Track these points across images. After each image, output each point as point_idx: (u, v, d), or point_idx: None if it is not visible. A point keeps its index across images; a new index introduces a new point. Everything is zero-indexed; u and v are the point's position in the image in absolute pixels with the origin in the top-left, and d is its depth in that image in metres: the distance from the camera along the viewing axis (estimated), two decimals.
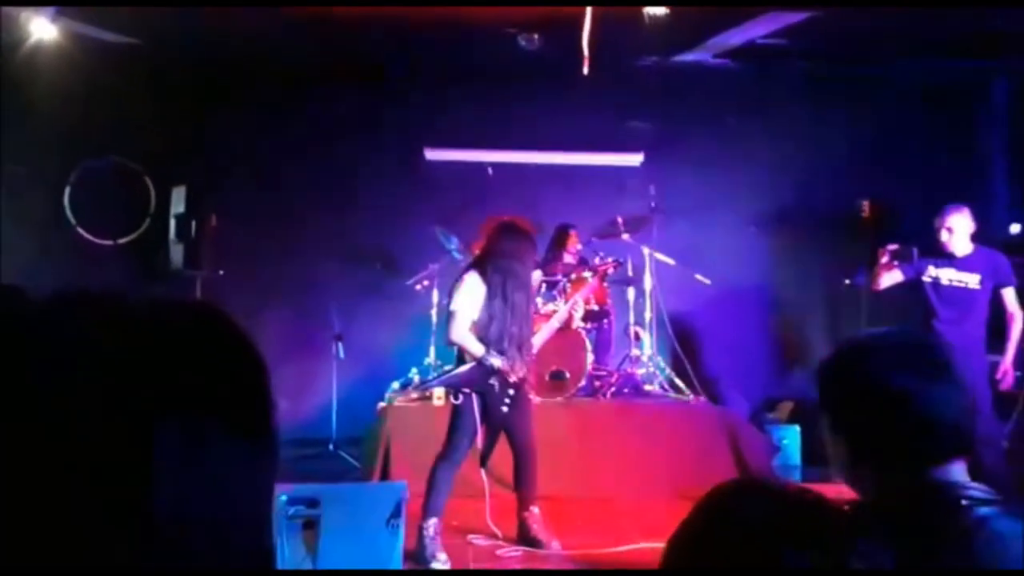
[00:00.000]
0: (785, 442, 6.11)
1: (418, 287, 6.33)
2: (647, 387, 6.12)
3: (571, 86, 6.28)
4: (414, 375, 6.17)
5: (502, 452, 4.31)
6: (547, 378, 5.59)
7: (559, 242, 6.46)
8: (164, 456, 0.53)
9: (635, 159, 7.05)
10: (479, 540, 4.35)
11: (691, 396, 5.99)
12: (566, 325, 4.64)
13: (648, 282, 6.27)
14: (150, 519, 0.53)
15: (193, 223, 6.27)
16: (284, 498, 3.63)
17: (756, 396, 6.86)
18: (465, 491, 4.29)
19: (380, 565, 3.67)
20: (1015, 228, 5.48)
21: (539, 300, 5.84)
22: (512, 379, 4.13)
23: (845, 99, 6.88)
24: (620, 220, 6.33)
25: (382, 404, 5.72)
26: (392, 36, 6.43)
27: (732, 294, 6.79)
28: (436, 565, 4.02)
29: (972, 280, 4.72)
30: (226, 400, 0.58)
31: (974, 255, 4.75)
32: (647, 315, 6.25)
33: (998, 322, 4.82)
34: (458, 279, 4.26)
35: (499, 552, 4.24)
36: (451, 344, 4.25)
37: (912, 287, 4.89)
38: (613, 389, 5.96)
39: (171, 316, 0.60)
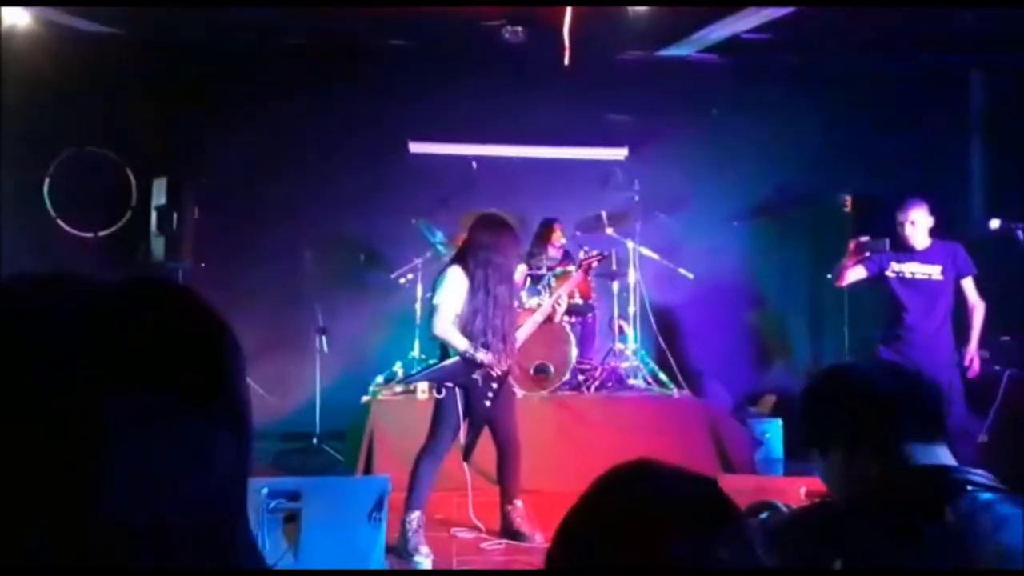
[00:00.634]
0: (767, 435, 6.15)
1: (402, 281, 6.31)
2: (631, 381, 6.14)
3: (556, 80, 6.28)
4: (398, 369, 6.16)
5: (486, 446, 4.31)
6: (531, 372, 5.59)
7: (543, 236, 6.46)
8: (119, 429, 0.53)
9: (619, 153, 7.06)
10: (462, 533, 4.36)
11: (674, 390, 6.02)
12: (550, 319, 4.65)
13: (632, 276, 6.28)
14: (108, 493, 0.52)
15: (175, 215, 6.22)
16: (265, 491, 3.62)
17: (739, 390, 6.90)
18: (448, 484, 4.30)
19: (362, 559, 3.67)
20: (995, 223, 5.51)
21: (524, 294, 5.84)
22: (496, 373, 4.13)
23: (827, 94, 6.93)
24: (604, 214, 6.34)
25: (366, 398, 5.70)
26: (376, 28, 6.41)
27: (715, 288, 6.83)
28: (418, 558, 4.02)
29: (935, 271, 4.80)
30: (184, 373, 0.57)
31: (933, 247, 4.82)
32: (631, 309, 6.27)
33: (960, 315, 4.88)
34: (441, 273, 4.26)
35: (482, 545, 4.25)
36: (435, 338, 4.25)
37: (877, 283, 4.94)
38: (597, 383, 5.98)
39: (124, 296, 0.59)
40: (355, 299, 6.77)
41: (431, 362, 4.93)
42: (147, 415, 0.54)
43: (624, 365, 6.19)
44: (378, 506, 3.75)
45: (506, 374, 4.23)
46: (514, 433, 4.32)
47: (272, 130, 6.79)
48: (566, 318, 5.77)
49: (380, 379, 6.13)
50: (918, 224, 4.77)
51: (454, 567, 4.05)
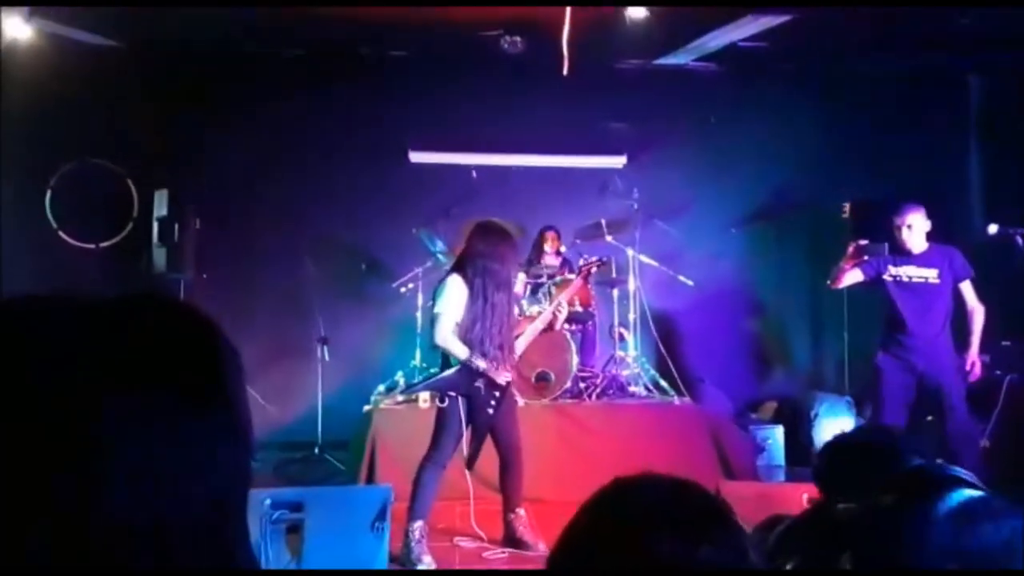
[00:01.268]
0: (769, 442, 6.16)
1: (403, 290, 6.32)
2: (632, 388, 6.14)
3: (555, 89, 6.31)
4: (399, 378, 6.17)
5: (488, 454, 4.32)
6: (532, 380, 5.60)
7: (541, 244, 6.50)
8: (117, 431, 0.54)
9: (618, 161, 7.08)
10: (465, 542, 4.36)
11: (675, 397, 6.02)
12: (550, 326, 4.65)
13: (632, 283, 6.30)
14: (107, 493, 0.53)
15: (176, 226, 6.23)
16: (268, 502, 3.63)
17: (740, 396, 6.90)
18: (451, 493, 4.30)
19: (365, 568, 3.67)
20: (993, 228, 5.53)
21: (524, 302, 5.86)
22: (497, 381, 4.14)
23: (825, 101, 6.96)
24: (604, 222, 6.36)
25: (368, 407, 5.71)
26: (376, 38, 6.44)
27: (715, 295, 6.84)
28: (422, 568, 4.02)
29: (931, 275, 4.81)
30: (180, 375, 0.58)
31: (930, 251, 4.84)
32: (631, 316, 6.28)
33: (961, 319, 4.89)
34: (441, 282, 4.27)
35: (485, 554, 4.25)
36: (436, 347, 4.26)
37: (874, 287, 4.95)
38: (598, 390, 5.99)
39: (120, 310, 0.60)
40: (356, 308, 6.79)
41: (432, 371, 4.94)
42: (145, 417, 0.55)
43: (625, 372, 6.19)
44: (381, 516, 3.76)
45: (508, 382, 4.24)
46: (516, 441, 4.32)
47: (273, 141, 6.82)
48: (566, 326, 5.79)
49: (382, 388, 6.14)
50: (915, 228, 4.80)
51: None
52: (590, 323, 6.40)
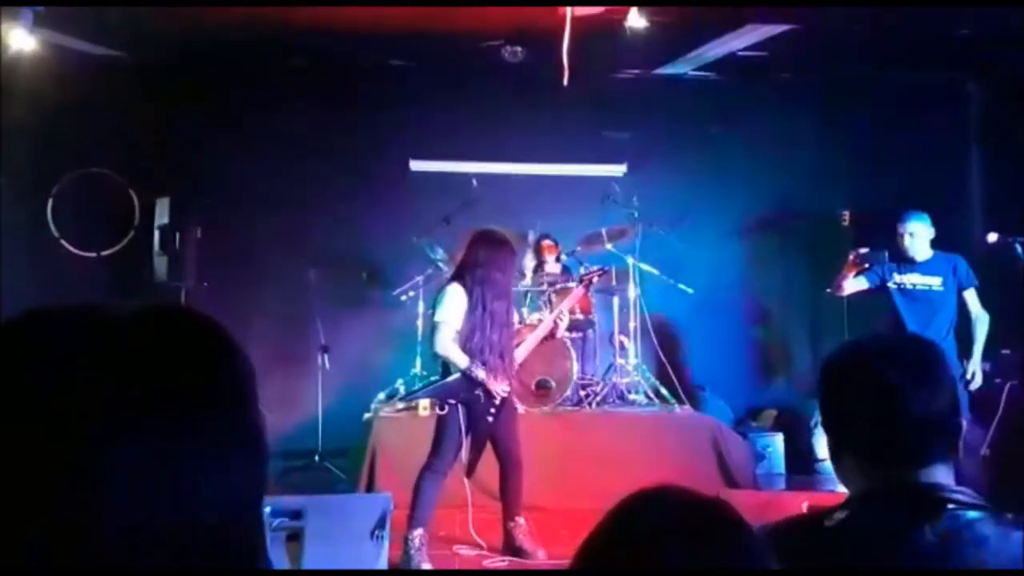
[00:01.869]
0: (769, 450, 6.15)
1: (404, 298, 6.34)
2: (632, 396, 6.15)
3: (555, 98, 6.33)
4: (400, 386, 6.18)
5: (488, 462, 4.32)
6: (533, 388, 5.61)
7: (542, 252, 6.51)
8: (131, 457, 0.54)
9: (618, 170, 7.11)
10: (465, 550, 4.36)
11: (675, 404, 6.03)
12: (551, 334, 4.66)
13: (632, 291, 6.31)
14: (130, 518, 0.54)
15: (177, 235, 6.25)
16: (268, 509, 3.63)
17: (740, 404, 6.90)
18: (451, 501, 4.30)
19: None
20: (992, 237, 5.54)
21: (524, 310, 5.87)
22: (497, 389, 4.15)
23: (824, 109, 6.99)
24: (604, 230, 6.38)
25: (368, 415, 5.72)
26: (377, 48, 6.47)
27: (715, 303, 6.85)
28: None
29: (935, 282, 4.83)
30: (199, 400, 0.59)
31: (934, 259, 4.87)
32: (631, 324, 6.29)
33: (967, 328, 4.89)
34: (441, 290, 4.28)
35: (485, 562, 4.25)
36: (437, 355, 4.26)
37: (878, 295, 4.97)
38: (598, 398, 5.99)
39: (142, 322, 0.61)
40: (357, 317, 6.80)
41: (433, 379, 4.95)
42: (157, 422, 0.56)
43: (625, 380, 6.20)
44: (380, 524, 3.76)
45: (507, 390, 4.24)
46: (516, 449, 4.33)
47: (274, 150, 6.85)
48: (567, 334, 5.80)
49: (382, 396, 6.15)
50: (917, 235, 4.82)
51: None
52: (590, 331, 6.41)
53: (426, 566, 4.05)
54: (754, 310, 7.32)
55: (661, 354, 6.25)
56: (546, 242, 6.49)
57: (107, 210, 6.76)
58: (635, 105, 6.93)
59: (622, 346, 6.33)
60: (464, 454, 4.18)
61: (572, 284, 5.83)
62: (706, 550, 0.82)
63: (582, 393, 5.98)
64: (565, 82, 5.26)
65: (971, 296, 4.85)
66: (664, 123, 6.99)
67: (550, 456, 5.28)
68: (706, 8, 5.54)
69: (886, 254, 4.96)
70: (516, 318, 4.75)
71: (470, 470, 4.22)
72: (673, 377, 6.18)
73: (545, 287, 6.07)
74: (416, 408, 5.45)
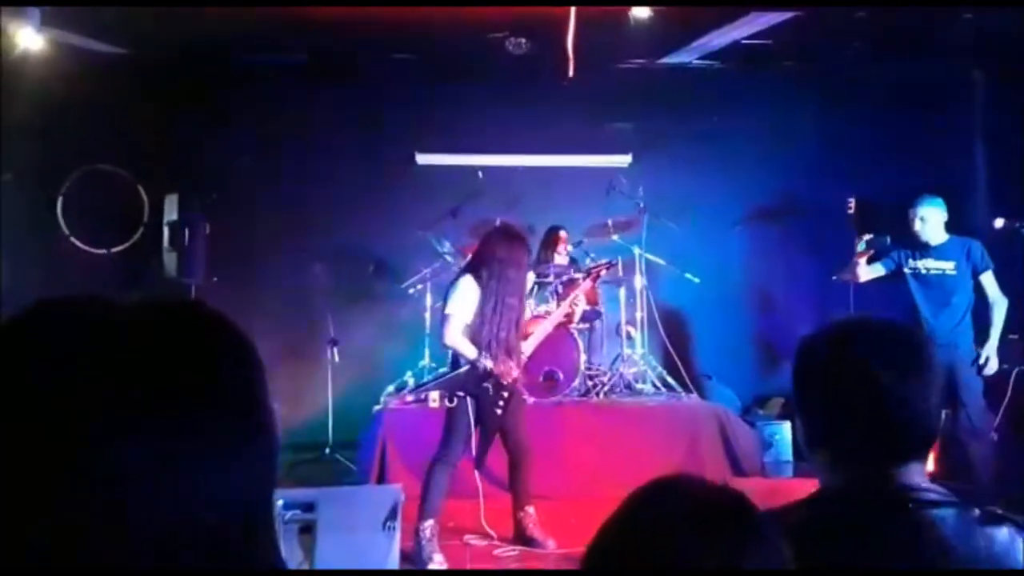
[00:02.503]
0: (776, 438, 6.18)
1: (411, 291, 6.37)
2: (639, 386, 6.18)
3: (559, 90, 6.35)
4: (408, 378, 6.22)
5: (498, 453, 4.35)
6: (540, 379, 5.64)
7: (548, 244, 6.52)
8: (132, 457, 0.55)
9: (623, 160, 7.11)
10: (475, 541, 4.40)
11: (683, 394, 6.06)
12: (568, 320, 4.65)
13: (639, 282, 6.33)
14: (129, 520, 0.54)
15: (186, 231, 6.29)
16: (280, 502, 3.67)
17: (746, 393, 6.92)
18: (461, 492, 4.34)
19: (377, 567, 3.71)
20: (999, 223, 5.54)
21: (531, 302, 5.89)
22: (506, 381, 4.18)
23: (829, 97, 6.97)
24: (610, 221, 6.40)
25: (377, 407, 5.76)
26: (382, 42, 6.48)
27: (721, 292, 6.86)
28: (433, 566, 4.06)
29: (948, 267, 4.82)
30: (210, 394, 0.60)
31: (949, 243, 4.86)
32: (638, 314, 6.32)
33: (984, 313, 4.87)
34: (452, 282, 4.29)
35: (496, 552, 4.29)
36: (445, 347, 4.30)
37: (894, 280, 4.98)
38: (606, 388, 6.02)
39: (153, 316, 0.61)
40: (365, 310, 6.84)
41: (441, 371, 4.98)
42: (162, 418, 0.56)
43: (632, 370, 6.23)
44: (392, 515, 3.79)
45: (515, 382, 4.27)
46: (525, 440, 4.36)
47: (281, 145, 6.88)
48: (573, 325, 5.82)
49: (391, 388, 6.20)
50: (929, 220, 4.81)
51: None
52: (597, 321, 6.43)
53: (438, 556, 4.10)
54: (760, 298, 7.33)
55: (668, 344, 6.28)
56: (561, 233, 6.50)
57: (116, 207, 6.81)
58: (639, 95, 6.93)
59: (629, 336, 6.36)
60: (474, 445, 4.22)
61: (579, 276, 5.85)
62: (719, 540, 0.82)
63: (589, 383, 6.01)
64: (570, 74, 5.27)
65: (988, 279, 4.81)
66: (669, 113, 6.98)
67: (559, 446, 5.32)
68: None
69: (888, 239, 4.98)
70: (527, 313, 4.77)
71: (479, 461, 4.26)
72: (680, 366, 6.21)
73: (552, 279, 6.10)
74: (425, 400, 5.49)
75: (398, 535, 3.81)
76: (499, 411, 4.20)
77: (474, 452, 4.23)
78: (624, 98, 6.96)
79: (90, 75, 6.26)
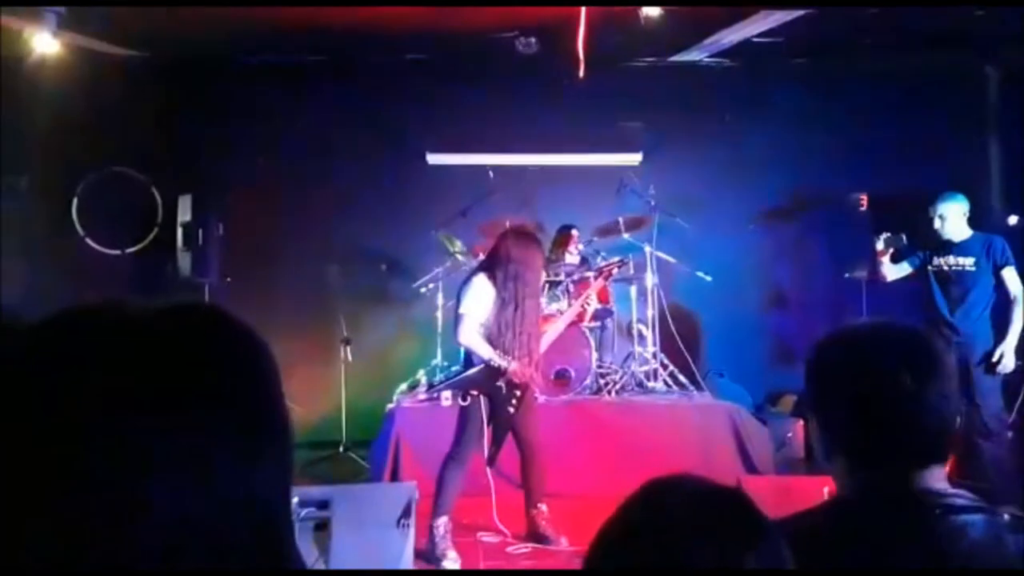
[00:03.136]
0: (789, 436, 6.17)
1: (423, 290, 6.40)
2: (651, 384, 6.18)
3: (569, 88, 6.35)
4: (421, 377, 6.25)
5: (510, 451, 4.38)
6: (552, 377, 5.65)
7: (560, 243, 6.53)
8: (165, 457, 0.56)
9: (634, 159, 7.11)
10: (488, 538, 4.42)
11: (695, 392, 6.06)
12: (579, 319, 4.66)
13: (650, 280, 6.33)
14: (151, 521, 0.55)
15: (200, 231, 6.34)
16: (295, 500, 3.71)
17: (759, 390, 6.91)
18: (474, 490, 4.36)
19: (391, 564, 3.74)
20: (1013, 220, 5.52)
21: (543, 300, 5.91)
22: (519, 380, 4.20)
23: (840, 94, 6.94)
24: (621, 220, 6.41)
25: (390, 406, 5.79)
26: (393, 42, 6.51)
27: (733, 290, 6.85)
28: (447, 563, 4.09)
29: (968, 262, 4.79)
30: (228, 398, 0.60)
31: (971, 239, 4.84)
32: (649, 312, 6.32)
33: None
34: (466, 282, 4.31)
35: (508, 549, 4.32)
36: (459, 345, 4.32)
37: (920, 277, 4.99)
38: (617, 386, 6.03)
39: (170, 321, 0.62)
40: (378, 309, 6.88)
41: (454, 369, 5.01)
42: (197, 446, 0.57)
43: (643, 368, 6.23)
44: (406, 512, 3.82)
45: (529, 382, 4.29)
46: (537, 438, 4.38)
47: (293, 145, 6.92)
48: (585, 323, 5.84)
49: (404, 387, 6.23)
50: (948, 218, 4.80)
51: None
52: (609, 320, 6.44)
53: (451, 553, 4.13)
54: (772, 296, 7.31)
55: (680, 342, 6.27)
56: (572, 232, 6.51)
57: (131, 208, 6.86)
58: (650, 93, 6.93)
59: (640, 334, 6.36)
60: (486, 443, 4.24)
61: (590, 275, 5.86)
62: (719, 539, 0.83)
63: (601, 382, 6.02)
64: (581, 74, 5.27)
65: (1009, 275, 4.76)
66: (680, 111, 6.97)
67: (570, 444, 5.33)
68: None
69: (903, 237, 4.99)
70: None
71: (491, 459, 4.28)
72: (692, 364, 6.21)
73: (563, 278, 6.11)
74: (438, 399, 5.52)
75: (412, 532, 3.84)
76: (512, 409, 4.22)
77: (487, 450, 4.26)
78: (635, 96, 6.96)
79: (105, 77, 6.32)
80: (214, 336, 0.63)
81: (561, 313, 5.28)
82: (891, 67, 6.87)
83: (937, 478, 1.24)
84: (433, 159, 7.09)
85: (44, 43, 5.66)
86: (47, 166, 6.62)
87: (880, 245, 5.05)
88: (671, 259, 6.41)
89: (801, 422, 6.25)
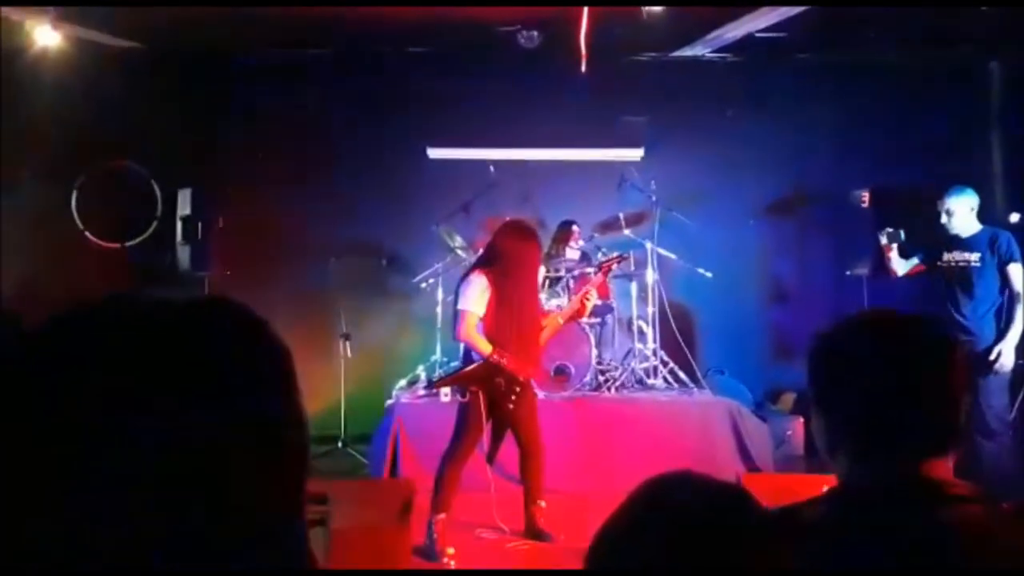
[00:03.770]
0: (789, 433, 6.16)
1: (423, 285, 6.39)
2: (651, 380, 6.17)
3: (571, 83, 6.33)
4: (420, 372, 6.24)
5: (509, 447, 4.36)
6: (551, 373, 5.64)
7: (561, 238, 6.52)
8: (171, 456, 0.55)
9: (635, 154, 7.09)
10: (487, 534, 4.42)
11: (694, 389, 6.05)
12: (578, 315, 4.65)
13: (650, 276, 6.31)
14: (164, 515, 0.54)
15: (199, 225, 6.33)
16: None
17: (759, 387, 6.90)
18: (473, 486, 4.35)
19: (389, 561, 3.74)
20: (1014, 217, 5.50)
21: (543, 296, 5.90)
22: (519, 377, 4.18)
23: (842, 89, 6.92)
24: (622, 215, 6.39)
25: (390, 401, 5.79)
26: (394, 36, 6.49)
27: (734, 286, 6.84)
28: (445, 560, 4.08)
29: (973, 258, 4.75)
30: (242, 393, 0.59)
31: (978, 234, 4.79)
32: (650, 309, 6.30)
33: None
34: (464, 278, 4.29)
35: (507, 546, 4.31)
36: (458, 341, 4.30)
37: (928, 273, 4.98)
38: (617, 383, 6.02)
39: (181, 315, 0.61)
40: (377, 304, 6.87)
41: (453, 365, 5.00)
42: (211, 441, 0.56)
43: (643, 365, 6.22)
44: (404, 508, 3.82)
45: (529, 378, 4.28)
46: (537, 435, 4.37)
47: (293, 138, 6.91)
48: (585, 319, 5.82)
49: (403, 382, 6.22)
50: (955, 212, 4.76)
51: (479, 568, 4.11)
52: (609, 316, 6.43)
53: (449, 550, 4.12)
54: (773, 293, 7.30)
55: (680, 338, 6.26)
56: (573, 228, 6.49)
57: (130, 201, 6.84)
58: (652, 89, 6.91)
59: (640, 331, 6.35)
60: (485, 440, 4.23)
61: (590, 270, 5.84)
62: (719, 539, 0.82)
63: (601, 378, 6.01)
64: (583, 68, 5.25)
65: (1013, 271, 4.70)
66: (681, 106, 6.96)
67: (569, 441, 5.33)
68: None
69: (902, 233, 4.98)
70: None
71: (491, 456, 4.27)
72: (692, 361, 6.20)
73: (564, 273, 6.09)
74: (437, 394, 5.51)
75: (410, 528, 3.83)
76: (511, 405, 4.20)
77: (486, 446, 4.24)
78: (637, 91, 6.94)
79: (104, 70, 6.30)
80: (227, 332, 0.62)
81: (561, 309, 5.27)
82: (894, 63, 6.84)
83: (942, 471, 1.23)
84: (434, 153, 7.07)
85: (45, 35, 5.64)
86: (47, 159, 6.60)
87: (884, 240, 5.04)
88: (672, 255, 6.39)
89: (801, 420, 6.24)
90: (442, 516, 4.15)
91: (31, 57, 5.79)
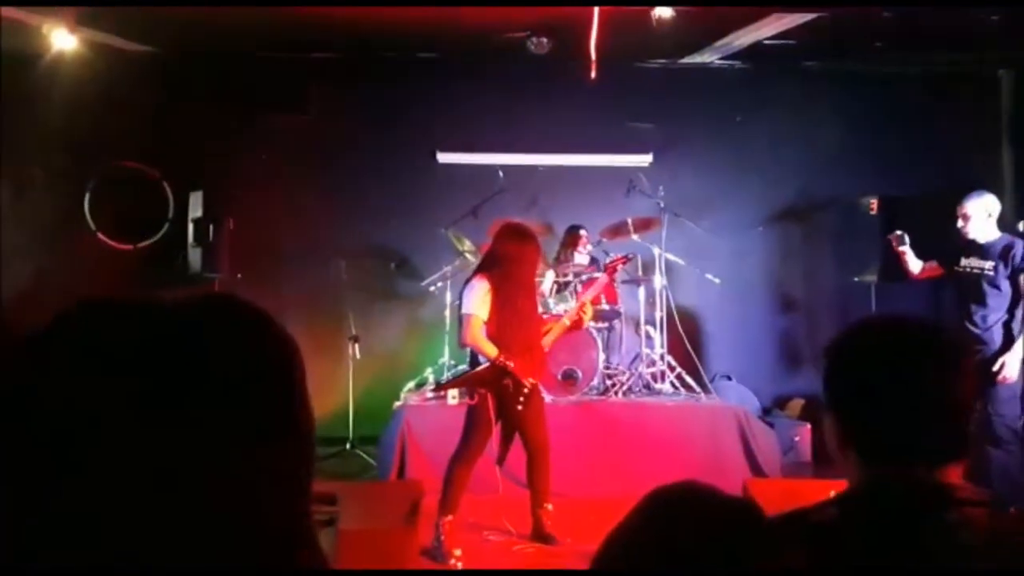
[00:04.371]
0: (796, 439, 6.16)
1: (432, 288, 6.42)
2: (658, 386, 6.18)
3: (580, 88, 6.35)
4: (429, 375, 6.27)
5: (517, 450, 4.39)
6: (559, 377, 5.66)
7: (569, 243, 6.53)
8: (185, 451, 0.55)
9: (644, 160, 7.11)
10: (494, 536, 4.44)
11: (702, 394, 6.05)
12: (576, 326, 4.69)
13: (658, 281, 6.33)
14: (174, 514, 0.55)
15: (210, 227, 6.37)
16: None
17: (766, 393, 6.90)
18: (481, 489, 4.38)
19: (396, 562, 3.76)
20: (1023, 225, 5.49)
21: (550, 300, 5.92)
22: (525, 379, 4.21)
23: (851, 96, 6.93)
24: (630, 221, 6.40)
25: (398, 404, 5.81)
26: (404, 40, 6.53)
27: (742, 292, 6.85)
28: (452, 561, 4.11)
29: (987, 265, 4.69)
30: (249, 392, 0.59)
31: (995, 242, 4.72)
32: (658, 314, 6.31)
33: None
34: (467, 282, 4.33)
35: (514, 548, 4.32)
36: (464, 346, 4.33)
37: (947, 276, 4.98)
38: (625, 388, 6.03)
39: (191, 314, 0.61)
40: (386, 307, 6.91)
41: (461, 367, 5.02)
42: (220, 441, 0.57)
43: (651, 370, 6.23)
44: (412, 510, 3.85)
45: (536, 380, 4.30)
46: (544, 438, 4.39)
47: (303, 142, 6.95)
48: (592, 324, 5.83)
49: (411, 385, 6.25)
50: (972, 218, 4.70)
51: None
52: (616, 321, 6.44)
53: (457, 551, 4.14)
54: (781, 299, 7.30)
55: (687, 343, 6.27)
56: (581, 232, 6.51)
57: (142, 203, 6.90)
58: (661, 95, 6.93)
59: (648, 336, 6.36)
60: (494, 442, 4.25)
61: (599, 275, 5.86)
62: (726, 549, 0.83)
63: (608, 383, 6.02)
64: (593, 75, 5.27)
65: None
66: (690, 112, 6.98)
67: (577, 444, 5.34)
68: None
69: (904, 236, 5.02)
70: (540, 309, 4.78)
71: (500, 459, 4.29)
72: (699, 366, 6.21)
73: (572, 278, 6.11)
74: (445, 397, 5.54)
75: (418, 530, 3.86)
76: (519, 407, 4.23)
77: (495, 449, 4.26)
78: (646, 98, 6.96)
79: (116, 73, 6.36)
80: (230, 328, 0.62)
81: (567, 312, 5.28)
82: (903, 70, 6.84)
83: (952, 477, 1.23)
84: (443, 158, 7.11)
85: (61, 39, 5.70)
86: (60, 161, 6.66)
87: (895, 242, 5.04)
88: (680, 261, 6.41)
89: (808, 426, 6.24)
90: (450, 518, 4.18)
91: (48, 60, 5.85)
